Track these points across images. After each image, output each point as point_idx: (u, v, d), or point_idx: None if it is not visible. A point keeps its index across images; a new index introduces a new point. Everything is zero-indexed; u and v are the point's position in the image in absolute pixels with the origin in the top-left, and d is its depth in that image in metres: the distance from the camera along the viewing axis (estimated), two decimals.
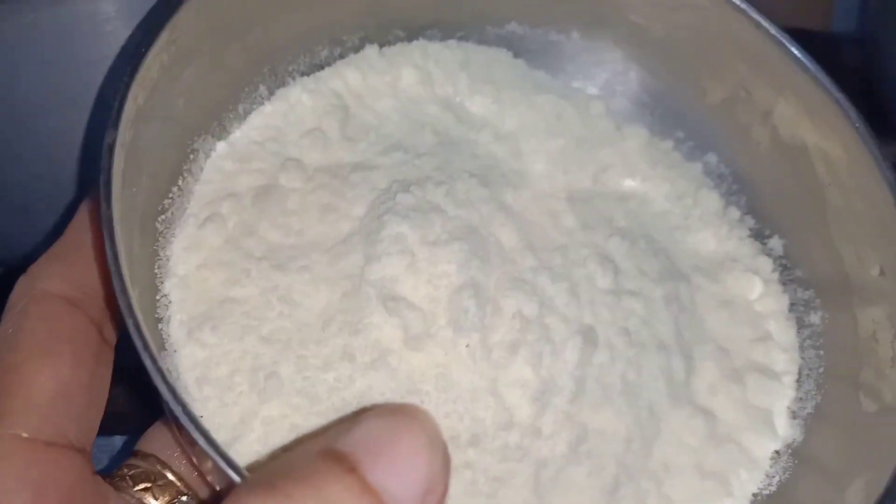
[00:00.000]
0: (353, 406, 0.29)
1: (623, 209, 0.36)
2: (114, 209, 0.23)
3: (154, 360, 0.22)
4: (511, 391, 0.30)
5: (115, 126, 0.24)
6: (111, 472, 0.29)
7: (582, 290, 0.32)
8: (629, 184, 0.37)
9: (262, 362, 0.29)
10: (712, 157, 0.39)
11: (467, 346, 0.30)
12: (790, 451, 0.32)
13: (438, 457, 0.19)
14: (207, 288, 0.30)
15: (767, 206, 0.37)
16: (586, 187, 0.36)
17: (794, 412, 0.33)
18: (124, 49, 0.31)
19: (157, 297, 0.30)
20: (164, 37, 0.27)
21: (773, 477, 0.32)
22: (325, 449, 0.19)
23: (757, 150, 0.37)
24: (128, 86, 0.25)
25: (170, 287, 0.30)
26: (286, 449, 0.28)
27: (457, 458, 0.29)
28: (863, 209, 0.33)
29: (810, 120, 0.34)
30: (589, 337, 0.31)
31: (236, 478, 0.21)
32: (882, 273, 0.32)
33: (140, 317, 0.23)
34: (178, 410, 0.21)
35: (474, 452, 0.29)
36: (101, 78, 0.31)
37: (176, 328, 0.29)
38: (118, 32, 0.31)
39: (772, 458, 0.32)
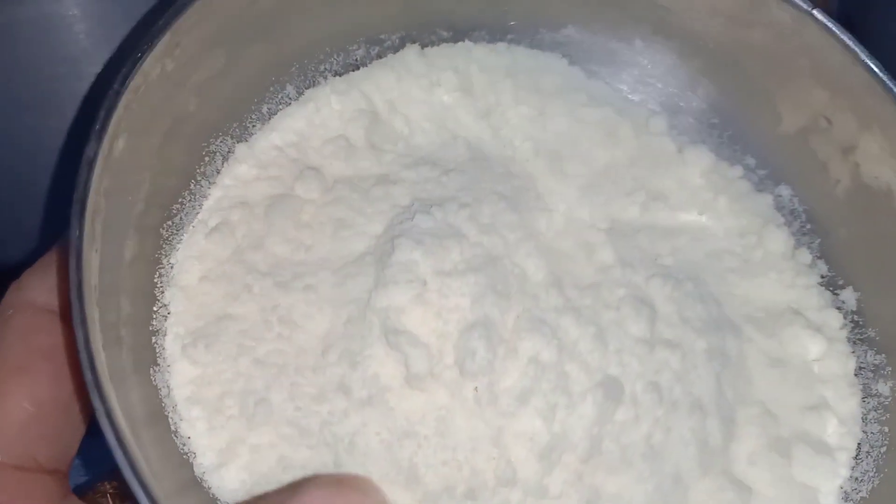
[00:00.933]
0: (344, 442, 0.28)
1: (672, 245, 0.34)
2: (86, 222, 0.23)
3: (99, 390, 0.21)
4: (517, 444, 0.29)
5: (99, 137, 0.24)
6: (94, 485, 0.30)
7: (611, 336, 0.30)
8: (684, 216, 0.35)
9: (254, 386, 0.29)
10: (785, 190, 0.36)
11: (475, 389, 0.29)
12: None
13: None
14: (208, 302, 0.30)
15: (843, 252, 0.35)
16: (632, 217, 0.34)
17: (846, 494, 0.31)
18: (119, 50, 0.31)
19: (156, 308, 0.30)
20: (164, 41, 0.26)
21: None
22: None
23: (835, 189, 0.34)
24: (118, 93, 0.25)
25: (170, 297, 0.30)
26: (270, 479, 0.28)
27: None
28: None
29: None
30: (612, 390, 0.29)
31: None
32: None
33: (98, 338, 0.22)
34: (119, 458, 0.21)
35: None
36: (69, 78, 0.31)
37: (171, 342, 0.30)
38: (84, 34, 0.31)
39: None
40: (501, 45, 0.38)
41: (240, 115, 0.33)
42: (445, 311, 0.30)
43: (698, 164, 0.37)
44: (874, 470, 0.31)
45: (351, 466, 0.28)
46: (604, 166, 0.35)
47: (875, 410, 0.32)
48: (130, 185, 0.27)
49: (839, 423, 0.32)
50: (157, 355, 0.29)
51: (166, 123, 0.29)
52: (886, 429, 0.31)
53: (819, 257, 0.35)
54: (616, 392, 0.29)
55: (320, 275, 0.31)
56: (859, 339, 0.33)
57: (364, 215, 0.32)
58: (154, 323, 0.30)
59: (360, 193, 0.33)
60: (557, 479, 0.28)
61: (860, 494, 0.31)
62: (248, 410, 0.29)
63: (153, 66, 0.27)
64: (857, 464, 0.31)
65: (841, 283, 0.34)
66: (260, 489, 0.28)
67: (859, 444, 0.32)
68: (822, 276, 0.35)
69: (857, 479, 0.31)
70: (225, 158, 0.33)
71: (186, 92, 0.30)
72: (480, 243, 0.31)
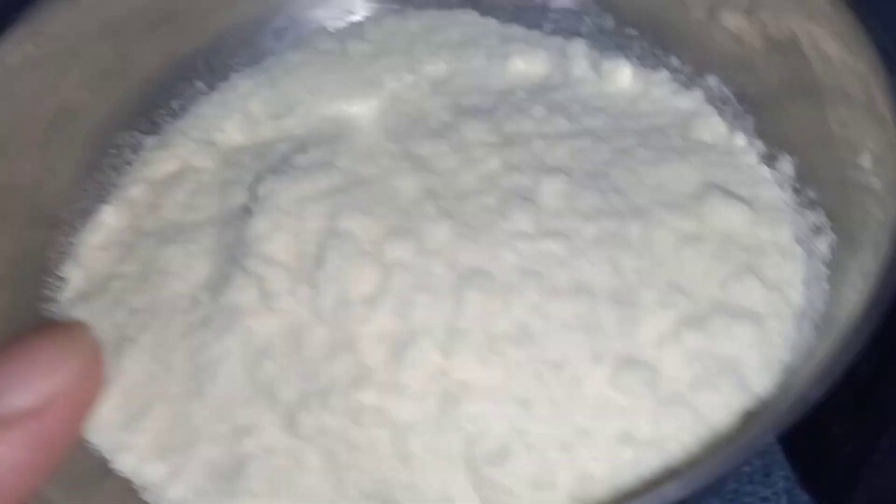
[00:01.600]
0: (207, 372, 0.29)
1: (571, 147, 0.32)
2: None
3: None
4: (371, 345, 0.28)
5: None
6: None
7: (484, 234, 0.29)
8: (589, 121, 0.34)
9: (124, 333, 0.30)
10: (713, 80, 0.34)
11: (330, 300, 0.28)
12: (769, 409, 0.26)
13: (76, 364, 0.18)
14: (96, 266, 0.33)
15: (776, 122, 0.32)
16: (527, 129, 0.33)
17: (781, 361, 0.26)
18: None
19: (52, 281, 0.32)
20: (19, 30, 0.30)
21: None
22: None
23: (754, 58, 0.32)
24: None
25: (67, 270, 0.33)
26: None
27: (307, 421, 0.27)
28: (853, 92, 0.27)
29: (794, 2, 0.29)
30: (476, 281, 0.28)
31: None
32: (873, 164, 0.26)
33: None
34: None
35: (328, 415, 0.27)
36: None
37: (59, 308, 0.32)
38: None
39: (743, 420, 0.26)
40: (410, 11, 0.39)
41: (147, 110, 0.37)
42: (304, 233, 0.30)
43: (617, 75, 0.35)
44: (813, 332, 0.26)
45: (215, 394, 0.28)
46: (504, 91, 0.35)
47: (816, 270, 0.28)
48: (13, 170, 0.31)
49: (768, 290, 0.28)
50: (51, 318, 0.31)
51: (48, 113, 0.33)
52: (827, 286, 0.27)
53: (757, 137, 0.32)
54: (481, 282, 0.28)
55: (205, 229, 0.32)
56: (798, 204, 0.30)
57: (253, 173, 0.34)
58: (47, 291, 0.32)
59: (256, 156, 0.35)
60: (416, 375, 0.27)
61: (795, 359, 0.26)
62: (118, 354, 0.30)
63: (11, 52, 0.31)
64: (797, 330, 0.27)
65: (777, 155, 0.31)
66: (131, 426, 0.28)
67: (799, 308, 0.28)
68: (760, 154, 0.32)
69: (792, 346, 0.27)
70: (134, 151, 0.36)
71: (71, 85, 0.33)
72: (352, 170, 0.32)
